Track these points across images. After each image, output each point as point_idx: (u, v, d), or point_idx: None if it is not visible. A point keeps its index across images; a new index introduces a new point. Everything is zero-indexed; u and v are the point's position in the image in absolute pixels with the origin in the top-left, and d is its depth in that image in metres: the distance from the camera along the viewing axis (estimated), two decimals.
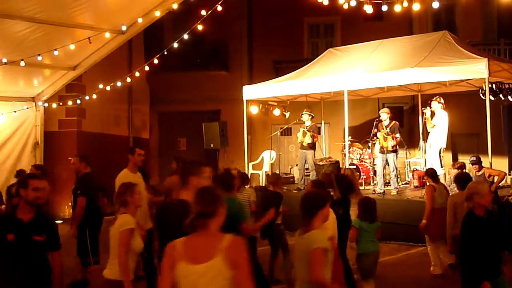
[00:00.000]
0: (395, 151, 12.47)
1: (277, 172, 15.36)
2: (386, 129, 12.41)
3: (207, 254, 3.29)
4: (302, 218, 4.46)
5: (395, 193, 12.19)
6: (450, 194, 8.51)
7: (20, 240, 4.58)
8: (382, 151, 12.51)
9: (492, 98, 10.60)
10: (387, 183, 12.96)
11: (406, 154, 14.35)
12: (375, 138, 13.03)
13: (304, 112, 13.51)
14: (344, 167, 9.48)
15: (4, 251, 4.42)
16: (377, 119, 12.95)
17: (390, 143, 12.16)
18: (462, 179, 7.65)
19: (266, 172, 15.54)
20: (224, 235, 3.38)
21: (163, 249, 3.51)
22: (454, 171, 10.14)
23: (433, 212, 8.51)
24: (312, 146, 13.33)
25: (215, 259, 3.27)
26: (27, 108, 13.86)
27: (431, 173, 9.12)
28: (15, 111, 13.47)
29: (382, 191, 12.17)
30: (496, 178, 9.86)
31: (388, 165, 12.55)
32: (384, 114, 12.63)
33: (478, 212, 5.24)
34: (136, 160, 7.56)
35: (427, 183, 9.12)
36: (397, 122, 12.67)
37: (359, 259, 6.86)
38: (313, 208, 4.45)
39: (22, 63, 11.07)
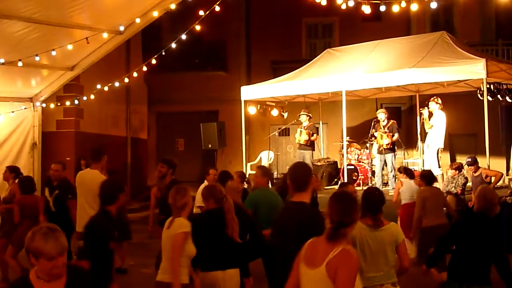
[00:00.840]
0: (393, 150, 12.50)
1: (275, 172, 15.39)
2: (384, 128, 12.44)
3: (318, 260, 3.32)
4: (370, 215, 4.74)
5: (393, 193, 12.20)
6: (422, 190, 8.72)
7: None
8: (380, 151, 12.52)
9: (490, 99, 10.60)
10: (385, 183, 12.98)
11: (404, 155, 14.36)
12: (373, 138, 13.05)
13: (301, 113, 13.52)
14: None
15: None
16: (375, 120, 12.96)
17: (386, 141, 12.21)
18: (427, 176, 8.39)
19: None
20: (338, 244, 3.33)
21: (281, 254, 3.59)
22: (452, 172, 10.17)
23: (404, 207, 9.12)
24: (310, 145, 13.35)
25: (321, 267, 3.28)
26: (25, 108, 13.82)
27: (403, 169, 9.91)
28: (13, 112, 13.43)
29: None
30: (493, 179, 9.87)
31: (386, 165, 12.56)
32: (382, 115, 12.67)
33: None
34: (103, 164, 7.54)
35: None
36: (395, 121, 12.70)
37: None
38: (380, 204, 4.84)
39: (20, 64, 11.04)
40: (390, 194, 12.16)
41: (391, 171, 12.49)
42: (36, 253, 3.14)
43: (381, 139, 12.36)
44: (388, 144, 12.30)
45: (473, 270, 5.02)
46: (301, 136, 13.30)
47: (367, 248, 4.66)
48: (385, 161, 12.56)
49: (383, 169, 12.93)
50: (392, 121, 12.63)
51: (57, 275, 3.22)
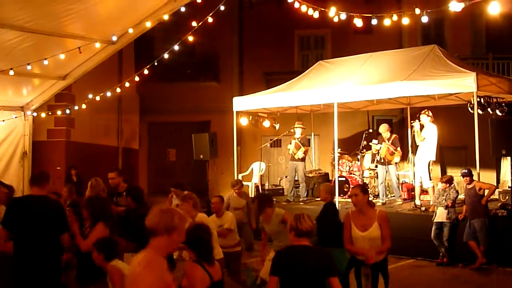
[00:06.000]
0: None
1: (266, 183, 15.40)
2: (388, 141, 12.55)
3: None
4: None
5: (384, 202, 12.35)
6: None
7: None
8: (383, 162, 12.60)
9: (480, 112, 10.67)
10: (375, 196, 13.05)
11: (395, 167, 14.39)
12: (364, 150, 13.10)
13: (296, 125, 13.52)
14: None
15: None
16: (366, 132, 13.03)
17: (396, 158, 12.53)
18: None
19: (255, 183, 15.52)
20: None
21: None
22: (442, 185, 10.21)
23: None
24: (302, 158, 13.38)
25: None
26: (16, 117, 13.77)
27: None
28: (3, 120, 13.38)
29: (384, 201, 12.36)
30: (486, 192, 9.90)
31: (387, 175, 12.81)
32: (384, 128, 12.79)
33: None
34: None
35: None
36: (397, 136, 12.84)
37: None
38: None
39: (12, 72, 11.01)
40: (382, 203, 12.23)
41: (395, 181, 12.91)
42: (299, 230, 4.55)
43: (391, 155, 12.54)
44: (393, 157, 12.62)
45: None
46: (298, 151, 13.35)
47: None
48: (387, 172, 12.70)
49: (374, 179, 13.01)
50: (394, 135, 12.81)
51: None
